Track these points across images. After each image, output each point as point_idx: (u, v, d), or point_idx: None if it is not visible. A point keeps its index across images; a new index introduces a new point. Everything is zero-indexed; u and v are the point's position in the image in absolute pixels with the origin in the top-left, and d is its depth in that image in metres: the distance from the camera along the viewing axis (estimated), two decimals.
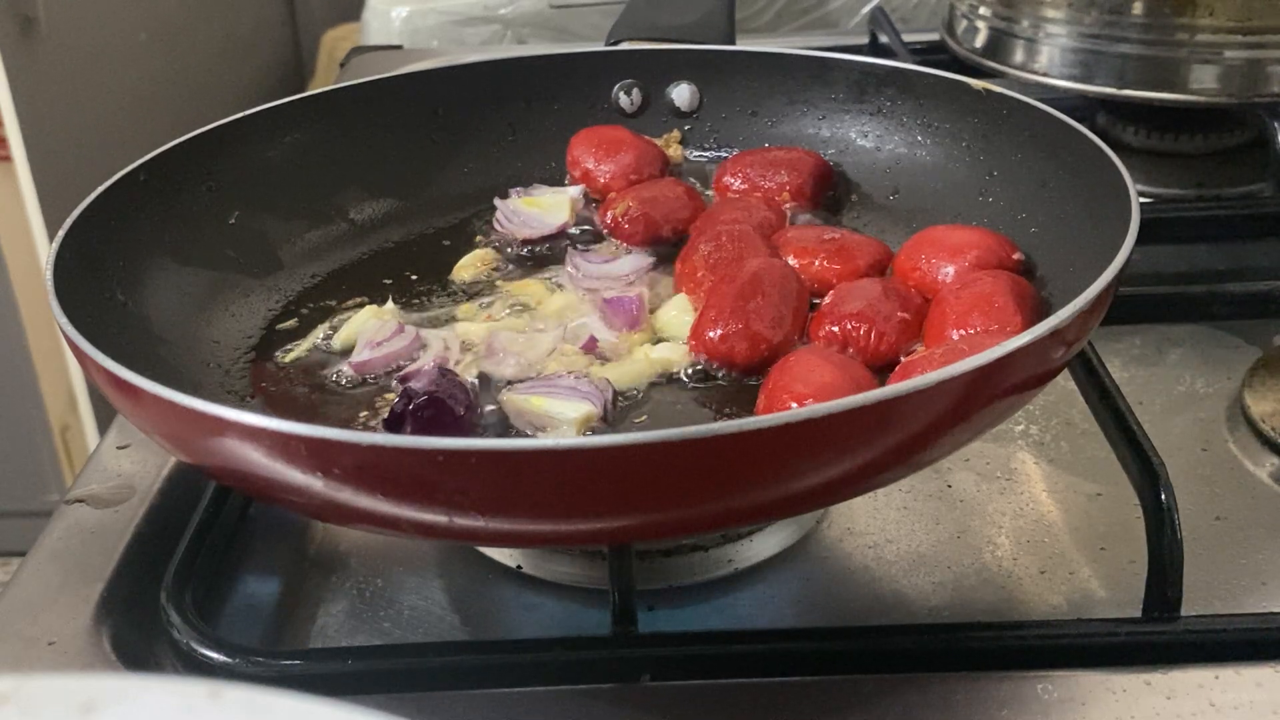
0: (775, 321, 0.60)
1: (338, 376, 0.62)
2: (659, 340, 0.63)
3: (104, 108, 1.85)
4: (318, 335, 0.65)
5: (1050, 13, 0.91)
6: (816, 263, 0.66)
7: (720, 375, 0.60)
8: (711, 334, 0.60)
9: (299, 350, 0.64)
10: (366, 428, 0.58)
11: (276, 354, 0.64)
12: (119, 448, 0.67)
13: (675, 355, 0.61)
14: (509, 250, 0.72)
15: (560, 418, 0.56)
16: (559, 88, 0.80)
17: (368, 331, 0.64)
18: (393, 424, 0.55)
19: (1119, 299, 0.53)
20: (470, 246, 0.73)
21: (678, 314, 0.64)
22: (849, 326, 0.60)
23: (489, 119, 0.79)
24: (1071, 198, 0.64)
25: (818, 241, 0.67)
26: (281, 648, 0.57)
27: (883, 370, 0.59)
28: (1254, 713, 0.48)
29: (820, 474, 0.46)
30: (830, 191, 0.75)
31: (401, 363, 0.62)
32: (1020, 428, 0.69)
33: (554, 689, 0.51)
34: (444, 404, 0.55)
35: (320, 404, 0.60)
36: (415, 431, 0.54)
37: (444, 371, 0.58)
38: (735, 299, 0.61)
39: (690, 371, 0.60)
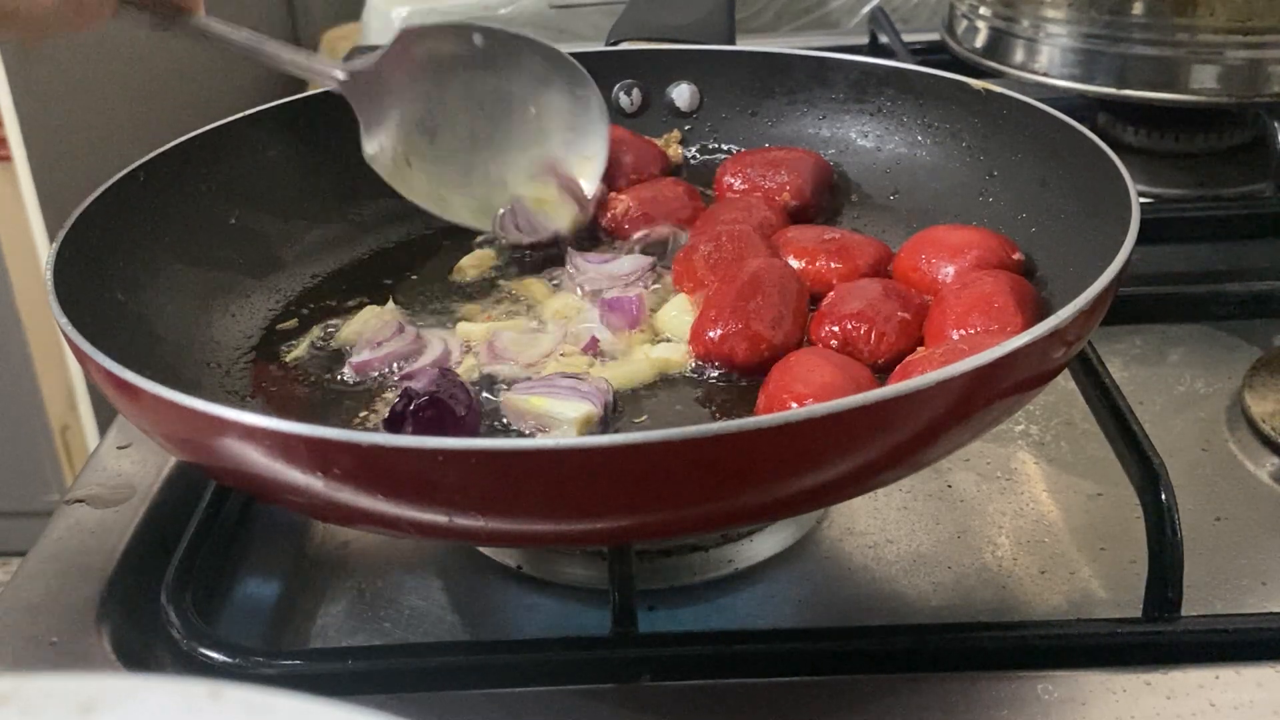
0: (775, 321, 0.60)
1: (338, 376, 0.62)
2: (659, 340, 0.63)
3: (104, 108, 1.85)
4: (317, 335, 0.65)
5: (1050, 13, 0.91)
6: (816, 263, 0.66)
7: (720, 375, 0.60)
8: (711, 334, 0.60)
9: (299, 350, 0.64)
10: (366, 428, 0.58)
11: (277, 353, 0.64)
12: (119, 448, 0.67)
13: (675, 355, 0.61)
14: (509, 250, 0.72)
15: (560, 418, 0.56)
16: None
17: (368, 331, 0.63)
18: (393, 424, 0.55)
19: (1119, 299, 0.53)
20: (470, 246, 0.73)
21: (678, 314, 0.64)
22: (849, 326, 0.60)
23: None
24: (1071, 198, 0.64)
25: (818, 241, 0.67)
26: (281, 648, 0.56)
27: (883, 370, 0.59)
28: (1254, 713, 0.48)
29: (820, 474, 0.46)
30: (830, 191, 0.75)
31: (401, 363, 0.62)
32: (1020, 428, 0.69)
33: (554, 689, 0.51)
34: (444, 404, 0.55)
35: (320, 404, 0.60)
36: (415, 431, 0.54)
37: (444, 372, 0.58)
38: (735, 299, 0.61)
39: (691, 372, 0.60)
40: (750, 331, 0.60)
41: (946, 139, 0.73)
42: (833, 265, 0.66)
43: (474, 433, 0.56)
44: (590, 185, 0.74)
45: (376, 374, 0.61)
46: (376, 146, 0.72)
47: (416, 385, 0.56)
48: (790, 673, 0.51)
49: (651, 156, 0.78)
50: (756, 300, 0.61)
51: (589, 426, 0.56)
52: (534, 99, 0.75)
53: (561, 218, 0.73)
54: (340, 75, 0.71)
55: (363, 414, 0.59)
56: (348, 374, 0.62)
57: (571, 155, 0.75)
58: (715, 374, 0.60)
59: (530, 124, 0.75)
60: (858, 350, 0.60)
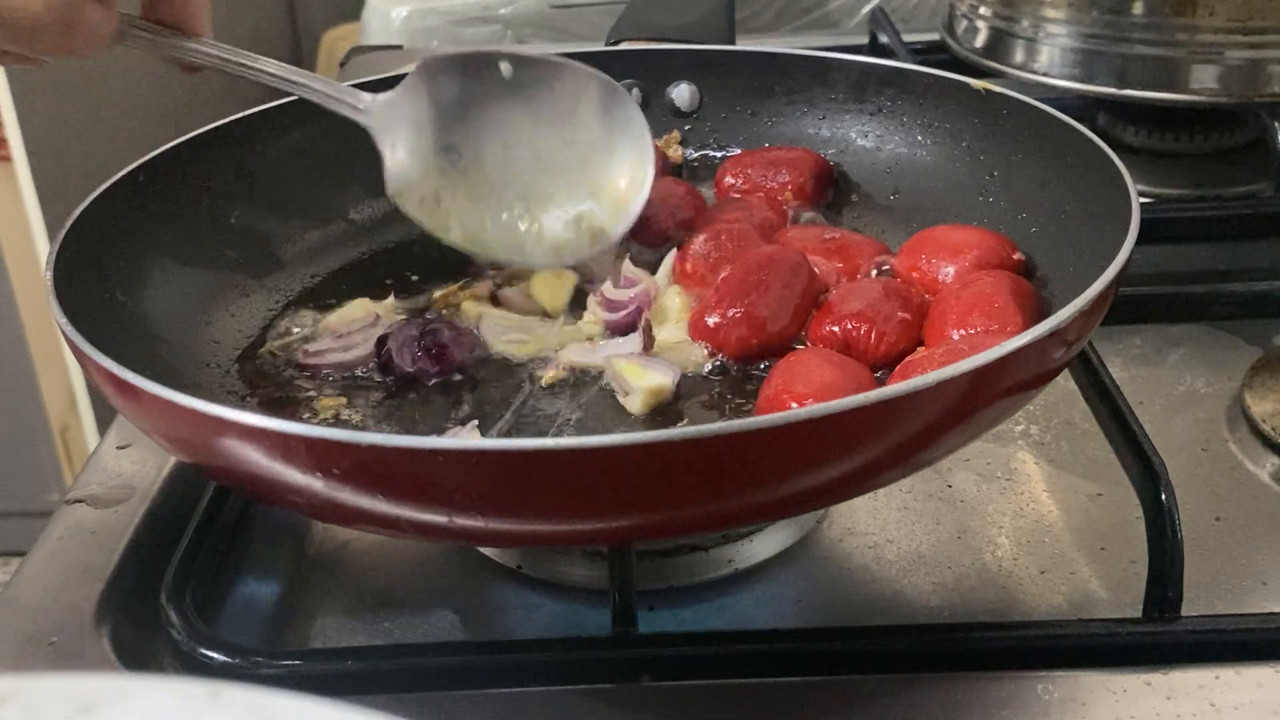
0: (777, 310, 0.61)
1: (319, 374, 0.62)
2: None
3: (104, 108, 1.85)
4: (305, 324, 0.65)
5: (1050, 13, 0.91)
6: (817, 263, 0.66)
7: (723, 373, 0.60)
8: (710, 320, 0.60)
9: (281, 341, 0.64)
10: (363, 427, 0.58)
11: (275, 353, 0.64)
12: (119, 448, 0.67)
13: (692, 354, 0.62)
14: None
15: (635, 384, 0.58)
16: None
17: (339, 323, 0.64)
18: (388, 366, 0.60)
19: (1119, 299, 0.53)
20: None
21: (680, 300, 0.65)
22: (849, 326, 0.60)
23: None
24: (1071, 198, 0.64)
25: (818, 241, 0.67)
26: (281, 648, 0.56)
27: (883, 370, 0.59)
28: (1254, 713, 0.48)
29: (820, 474, 0.46)
30: (830, 191, 0.75)
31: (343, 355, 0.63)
32: (1020, 428, 0.69)
33: (554, 689, 0.51)
34: (440, 332, 0.60)
35: (319, 404, 0.60)
36: (420, 362, 0.60)
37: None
38: (739, 285, 0.61)
39: (701, 370, 0.61)
40: (751, 318, 0.60)
41: (946, 139, 0.73)
42: (833, 265, 0.66)
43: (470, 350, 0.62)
44: (633, 211, 0.68)
45: (325, 369, 0.62)
46: (401, 183, 0.67)
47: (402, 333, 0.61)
48: (790, 673, 0.51)
49: None
50: (760, 288, 0.61)
51: (659, 397, 0.58)
52: (569, 124, 0.69)
53: (549, 295, 0.68)
54: (360, 104, 0.66)
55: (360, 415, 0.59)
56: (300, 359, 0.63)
57: (614, 180, 0.69)
58: (717, 370, 0.60)
59: (566, 151, 0.69)
60: (858, 350, 0.60)
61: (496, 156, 0.69)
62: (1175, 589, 0.52)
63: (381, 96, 0.66)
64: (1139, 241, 0.53)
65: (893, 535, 0.61)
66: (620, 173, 0.68)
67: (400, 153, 0.67)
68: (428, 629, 0.57)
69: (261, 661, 0.52)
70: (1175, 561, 0.52)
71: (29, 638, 0.54)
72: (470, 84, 0.68)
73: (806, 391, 0.54)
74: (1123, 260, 0.51)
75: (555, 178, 0.69)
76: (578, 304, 0.67)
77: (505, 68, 0.68)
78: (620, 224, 0.67)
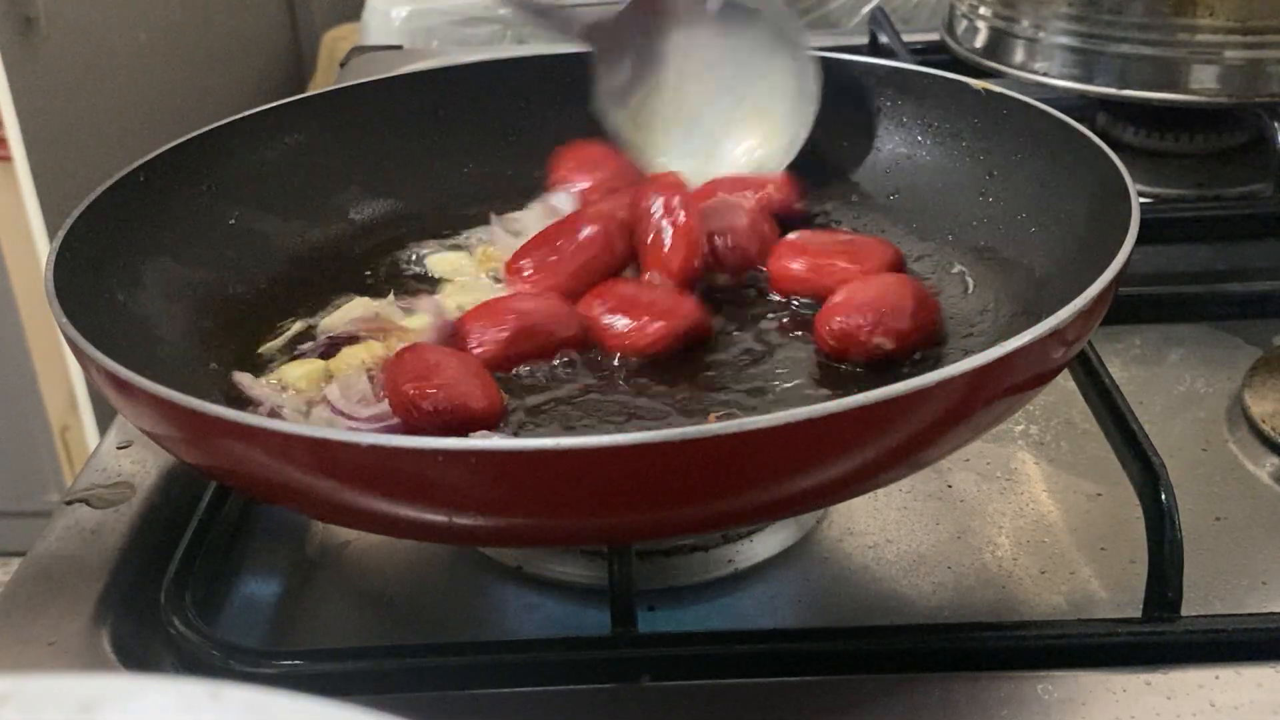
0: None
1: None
2: None
3: (104, 108, 1.85)
4: (304, 325, 0.65)
5: (1050, 13, 0.91)
6: (831, 262, 0.66)
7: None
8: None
9: (280, 341, 0.64)
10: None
11: (264, 346, 0.64)
12: (119, 448, 0.67)
13: None
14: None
15: None
16: (559, 88, 0.80)
17: (338, 323, 0.64)
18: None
19: (1119, 299, 0.53)
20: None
21: None
22: (852, 320, 0.60)
23: (489, 119, 0.79)
24: (1071, 198, 0.64)
25: (833, 244, 0.67)
26: (281, 648, 0.56)
27: (882, 370, 0.59)
28: (1254, 713, 0.48)
29: (820, 474, 0.46)
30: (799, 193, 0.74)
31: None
32: (1020, 428, 0.69)
33: (554, 689, 0.51)
34: None
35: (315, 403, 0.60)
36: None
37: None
38: None
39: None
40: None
41: (946, 139, 0.73)
42: (847, 266, 0.66)
43: None
44: (790, 156, 0.74)
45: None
46: (608, 102, 0.75)
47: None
48: (790, 673, 0.51)
49: (634, 171, 0.78)
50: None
51: None
52: (764, 70, 0.75)
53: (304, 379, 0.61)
54: (580, 26, 0.74)
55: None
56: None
57: (780, 136, 0.74)
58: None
59: (755, 96, 0.75)
60: (858, 344, 0.59)
61: (693, 88, 0.76)
62: (1175, 589, 0.52)
63: (597, 19, 0.74)
64: (1139, 241, 0.53)
65: (893, 535, 0.61)
66: (785, 130, 0.74)
67: (610, 72, 0.75)
68: (428, 629, 0.57)
69: (261, 661, 0.52)
70: (1175, 561, 0.52)
71: (29, 638, 0.54)
72: (680, 16, 0.75)
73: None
74: (1123, 260, 0.51)
75: (735, 117, 0.75)
76: None
77: (712, 3, 0.74)
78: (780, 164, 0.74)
